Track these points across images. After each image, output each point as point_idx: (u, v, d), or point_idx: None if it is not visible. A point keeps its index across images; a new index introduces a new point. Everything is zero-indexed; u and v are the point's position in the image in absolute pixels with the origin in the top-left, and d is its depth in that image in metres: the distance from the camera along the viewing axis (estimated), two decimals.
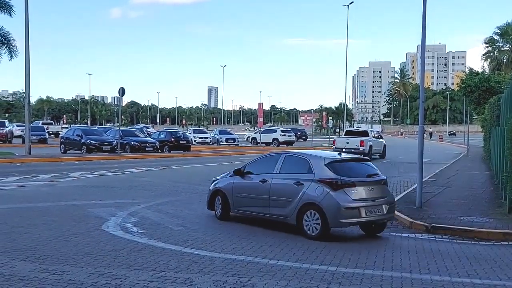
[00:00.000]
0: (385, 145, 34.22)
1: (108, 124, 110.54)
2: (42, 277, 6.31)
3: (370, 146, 31.18)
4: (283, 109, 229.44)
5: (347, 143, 31.35)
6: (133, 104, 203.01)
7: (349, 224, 9.13)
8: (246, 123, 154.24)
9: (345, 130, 36.29)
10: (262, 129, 54.10)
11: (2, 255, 7.33)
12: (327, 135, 67.03)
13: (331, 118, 65.56)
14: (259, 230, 9.85)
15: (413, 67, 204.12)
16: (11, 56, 28.08)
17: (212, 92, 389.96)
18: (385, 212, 9.37)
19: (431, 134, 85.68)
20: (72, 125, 78.33)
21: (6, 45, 27.99)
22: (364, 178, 9.38)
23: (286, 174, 9.79)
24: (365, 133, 32.80)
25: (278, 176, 9.90)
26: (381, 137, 36.66)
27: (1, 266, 6.78)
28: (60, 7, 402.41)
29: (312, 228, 9.09)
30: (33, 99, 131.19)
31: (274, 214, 9.85)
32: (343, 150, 30.66)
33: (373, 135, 33.49)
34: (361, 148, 30.13)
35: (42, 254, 7.44)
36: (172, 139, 36.54)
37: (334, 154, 10.43)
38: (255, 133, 59.61)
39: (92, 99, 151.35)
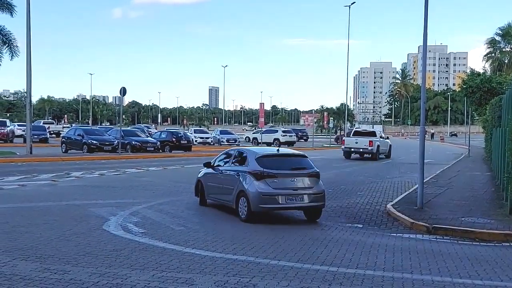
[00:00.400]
0: (390, 145, 34.84)
1: (105, 124, 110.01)
2: (43, 276, 6.32)
3: (378, 146, 31.83)
4: (284, 109, 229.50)
5: (356, 143, 32.01)
6: (134, 104, 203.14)
7: (268, 209, 10.51)
8: (249, 123, 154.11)
9: (353, 131, 37.02)
10: (263, 129, 54.09)
11: (3, 255, 7.34)
12: (328, 135, 67.00)
13: (332, 118, 65.55)
14: (260, 230, 9.85)
15: (414, 67, 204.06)
16: (12, 56, 28.12)
17: (213, 92, 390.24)
18: (307, 201, 10.54)
19: (432, 135, 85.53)
20: (73, 125, 78.39)
21: (7, 45, 28.02)
22: (287, 171, 10.67)
23: (233, 166, 11.49)
24: (373, 134, 33.44)
25: (229, 168, 11.62)
26: (388, 138, 37.30)
27: (2, 265, 6.79)
28: (61, 7, 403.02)
29: (243, 212, 10.62)
30: (34, 99, 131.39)
31: (225, 200, 11.55)
32: (352, 149, 32.12)
33: (380, 136, 34.14)
34: (369, 148, 31.02)
35: (43, 254, 7.45)
36: (173, 139, 36.54)
37: (268, 150, 12.58)
38: (253, 133, 59.64)
39: (93, 99, 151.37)
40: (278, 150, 11.93)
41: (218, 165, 12.24)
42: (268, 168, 10.51)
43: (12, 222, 9.86)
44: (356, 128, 54.46)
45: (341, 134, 62.80)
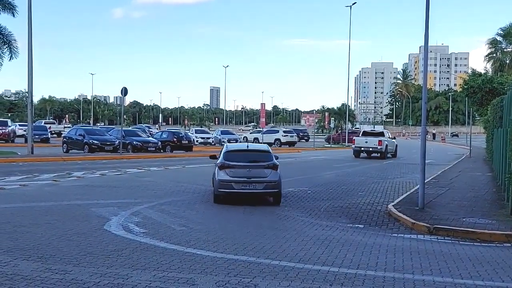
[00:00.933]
0: (396, 145, 36.19)
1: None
2: (44, 276, 6.33)
3: (386, 146, 33.20)
4: (285, 110, 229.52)
5: (366, 142, 33.33)
6: (135, 104, 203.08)
7: (224, 192, 12.76)
8: (251, 124, 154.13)
9: (362, 131, 38.65)
10: (264, 129, 54.10)
11: (5, 255, 7.35)
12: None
13: (333, 118, 65.44)
14: (261, 231, 9.87)
15: (415, 68, 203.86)
16: (11, 56, 28.12)
17: (215, 92, 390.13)
18: (260, 188, 12.73)
19: (434, 135, 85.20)
20: (76, 125, 78.47)
21: (7, 45, 28.03)
22: (245, 163, 12.77)
23: (217, 160, 13.45)
24: (381, 134, 35.02)
25: (218, 161, 13.37)
26: (394, 138, 38.91)
27: (4, 265, 6.80)
28: (63, 7, 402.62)
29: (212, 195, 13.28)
30: (35, 99, 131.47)
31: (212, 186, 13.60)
32: (362, 148, 33.49)
33: (388, 136, 35.55)
34: (379, 147, 32.58)
35: (44, 254, 7.46)
36: (174, 139, 36.56)
37: (237, 146, 15.96)
38: (250, 133, 59.69)
39: (95, 99, 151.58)
40: (247, 146, 14.90)
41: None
42: (229, 161, 12.85)
43: (13, 222, 9.88)
44: (355, 128, 54.90)
45: (338, 134, 62.25)
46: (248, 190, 12.75)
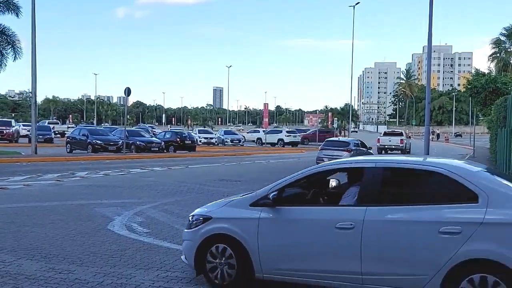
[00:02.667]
0: (410, 143, 41.54)
1: (104, 125, 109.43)
2: (48, 276, 6.35)
3: (405, 144, 38.29)
4: (289, 110, 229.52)
5: (389, 141, 38.46)
6: (138, 104, 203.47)
7: None
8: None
9: (383, 132, 44.56)
10: (267, 130, 54.14)
11: (9, 254, 7.37)
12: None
13: (336, 118, 65.46)
14: None
15: (419, 68, 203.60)
16: (15, 57, 28.20)
17: (218, 93, 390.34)
18: None
19: (438, 135, 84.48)
20: (80, 125, 78.62)
21: (11, 46, 28.11)
22: None
23: None
24: (401, 134, 40.20)
25: None
26: (410, 137, 45.22)
27: (8, 264, 6.82)
28: (66, 7, 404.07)
29: None
30: (39, 99, 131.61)
31: None
32: (386, 146, 38.15)
33: (406, 136, 41.45)
34: (400, 145, 37.40)
35: (48, 253, 7.48)
36: (178, 139, 36.60)
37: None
38: (247, 133, 59.80)
39: (98, 99, 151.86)
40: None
41: None
42: None
43: (17, 221, 9.90)
44: (353, 129, 55.57)
45: (313, 133, 59.87)
46: None
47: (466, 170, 5.30)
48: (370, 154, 24.87)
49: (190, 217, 6.32)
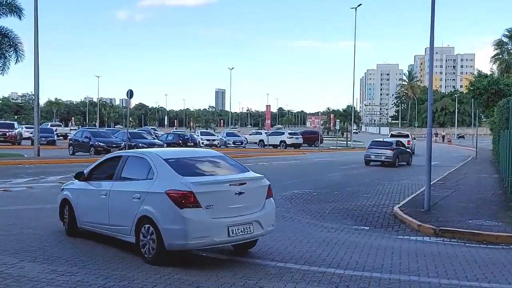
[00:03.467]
0: (415, 144, 43.00)
1: (106, 128, 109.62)
2: (50, 278, 6.36)
3: (411, 144, 40.09)
4: (291, 112, 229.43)
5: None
6: (141, 106, 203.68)
7: None
8: (249, 126, 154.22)
9: (390, 134, 46.29)
10: (264, 132, 54.19)
11: (11, 256, 7.39)
12: (335, 137, 66.89)
13: (338, 120, 65.37)
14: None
15: (421, 69, 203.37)
16: (17, 59, 28.22)
17: (220, 94, 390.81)
18: None
19: (443, 137, 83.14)
20: (82, 127, 78.73)
21: (13, 48, 28.15)
22: None
23: None
24: (407, 136, 42.09)
25: None
26: (414, 139, 46.83)
27: (10, 267, 6.83)
28: (68, 9, 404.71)
29: None
30: (41, 101, 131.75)
31: None
32: None
33: (411, 137, 43.37)
34: (407, 145, 37.26)
35: (50, 255, 7.50)
36: (180, 141, 36.64)
37: None
38: (249, 135, 59.84)
39: (101, 101, 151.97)
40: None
41: None
42: None
43: (20, 224, 9.92)
44: (355, 130, 56.30)
45: (319, 136, 59.45)
46: None
47: (157, 157, 7.72)
48: (408, 151, 32.04)
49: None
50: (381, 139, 33.76)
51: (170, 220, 6.89)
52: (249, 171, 7.98)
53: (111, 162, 8.68)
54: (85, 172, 8.98)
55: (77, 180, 9.07)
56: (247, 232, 7.24)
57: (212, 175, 7.65)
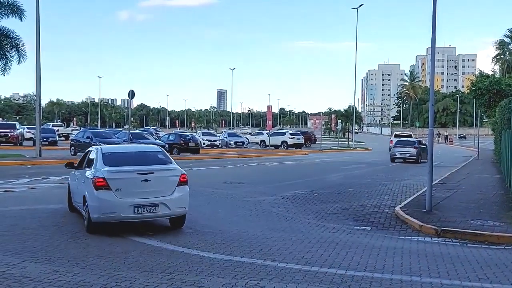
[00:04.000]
0: None
1: (107, 128, 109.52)
2: (52, 278, 6.37)
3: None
4: (292, 112, 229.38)
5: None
6: (142, 106, 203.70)
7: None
8: (249, 126, 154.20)
9: (393, 134, 46.63)
10: (266, 132, 54.21)
11: (13, 257, 7.40)
12: (336, 138, 66.85)
13: (340, 120, 65.29)
14: (267, 233, 9.86)
15: (422, 69, 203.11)
16: (19, 60, 28.23)
17: (221, 95, 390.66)
18: None
19: (446, 137, 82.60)
20: (84, 127, 78.75)
21: (15, 49, 28.16)
22: None
23: None
24: (409, 136, 42.26)
25: None
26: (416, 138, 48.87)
27: (12, 267, 6.84)
28: (70, 10, 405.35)
29: None
30: (43, 102, 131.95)
31: None
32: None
33: (415, 138, 43.78)
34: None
35: (52, 256, 7.50)
36: (181, 142, 36.58)
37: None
38: (251, 135, 59.83)
39: (102, 102, 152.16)
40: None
41: None
42: None
43: (21, 224, 9.93)
44: (356, 130, 56.75)
45: (311, 136, 59.86)
46: None
47: (100, 151, 9.76)
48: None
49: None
50: (406, 139, 35.70)
51: (91, 199, 8.96)
52: (170, 164, 9.86)
53: (85, 154, 10.83)
54: (78, 162, 11.27)
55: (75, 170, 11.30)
56: (152, 211, 9.06)
57: (131, 166, 9.32)
